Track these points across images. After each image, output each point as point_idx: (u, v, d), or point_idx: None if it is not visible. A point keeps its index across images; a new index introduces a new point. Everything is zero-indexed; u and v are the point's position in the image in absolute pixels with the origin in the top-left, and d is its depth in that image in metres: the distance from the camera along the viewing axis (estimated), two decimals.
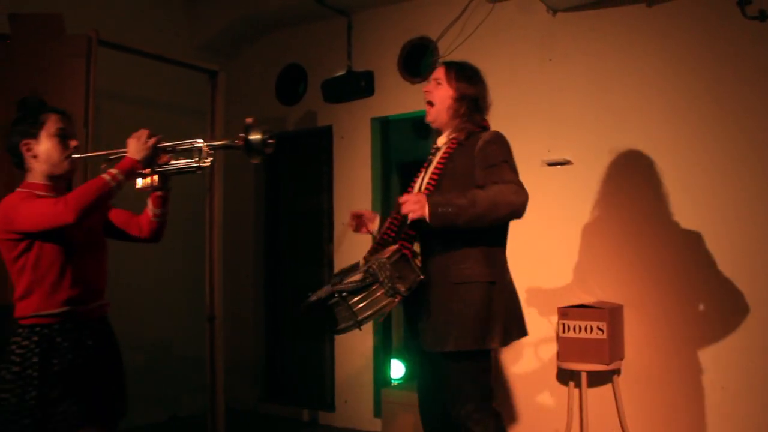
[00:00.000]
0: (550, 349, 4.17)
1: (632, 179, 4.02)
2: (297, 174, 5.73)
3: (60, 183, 2.51)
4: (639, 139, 3.99)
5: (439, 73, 2.90)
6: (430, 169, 2.84)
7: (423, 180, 2.86)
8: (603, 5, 4.13)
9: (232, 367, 5.09)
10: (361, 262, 2.68)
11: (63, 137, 2.48)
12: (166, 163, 2.55)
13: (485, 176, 2.68)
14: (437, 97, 2.87)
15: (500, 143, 2.77)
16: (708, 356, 3.76)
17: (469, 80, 2.88)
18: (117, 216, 2.68)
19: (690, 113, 3.87)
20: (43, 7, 3.92)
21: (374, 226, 3.01)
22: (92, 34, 3.85)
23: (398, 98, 4.98)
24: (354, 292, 2.49)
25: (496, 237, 2.87)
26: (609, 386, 3.94)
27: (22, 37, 3.84)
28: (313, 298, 2.59)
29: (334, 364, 5.21)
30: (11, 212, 2.32)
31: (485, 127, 2.88)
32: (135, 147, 2.47)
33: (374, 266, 2.48)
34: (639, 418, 3.91)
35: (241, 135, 2.42)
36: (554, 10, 4.31)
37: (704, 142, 3.82)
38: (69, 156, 2.48)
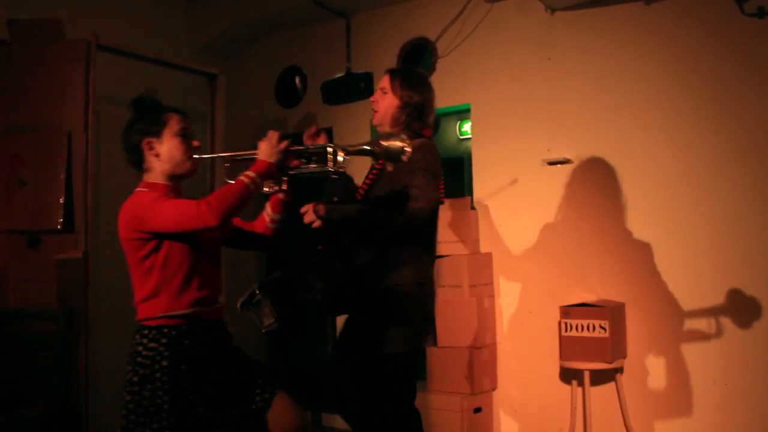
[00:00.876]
0: (553, 348, 4.16)
1: (633, 177, 4.02)
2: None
3: (179, 183, 2.48)
4: (639, 136, 3.99)
5: (385, 81, 2.97)
6: (369, 174, 2.93)
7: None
8: (601, 4, 4.13)
9: None
10: None
11: (185, 137, 2.45)
12: (297, 167, 2.53)
13: (406, 181, 2.75)
14: (382, 105, 2.95)
15: (425, 151, 2.79)
16: (710, 353, 3.76)
17: (413, 88, 2.95)
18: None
19: (689, 110, 3.87)
20: (42, 12, 3.92)
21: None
22: (91, 39, 3.86)
23: None
24: (274, 290, 2.54)
25: (424, 240, 2.90)
26: (612, 385, 3.94)
27: (22, 42, 3.85)
28: (244, 297, 2.62)
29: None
30: (143, 212, 2.29)
31: (423, 135, 2.93)
32: (267, 150, 2.43)
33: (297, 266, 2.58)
34: (642, 416, 3.91)
35: (381, 141, 2.44)
36: (552, 9, 4.31)
37: (704, 139, 3.81)
38: (191, 156, 2.46)
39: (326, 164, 2.44)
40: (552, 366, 4.21)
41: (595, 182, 4.12)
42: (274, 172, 2.44)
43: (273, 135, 2.45)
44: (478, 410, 4.21)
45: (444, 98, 4.72)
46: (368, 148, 2.47)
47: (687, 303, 3.84)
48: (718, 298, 3.74)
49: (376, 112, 2.98)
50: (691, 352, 3.80)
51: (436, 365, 4.35)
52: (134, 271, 2.36)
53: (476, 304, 4.26)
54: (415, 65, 4.84)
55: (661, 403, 3.88)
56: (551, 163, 4.25)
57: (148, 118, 2.45)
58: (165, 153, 2.41)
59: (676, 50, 3.91)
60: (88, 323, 3.68)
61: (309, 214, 2.71)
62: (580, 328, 3.75)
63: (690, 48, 3.87)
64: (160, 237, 2.30)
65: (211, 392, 2.35)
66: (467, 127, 6.09)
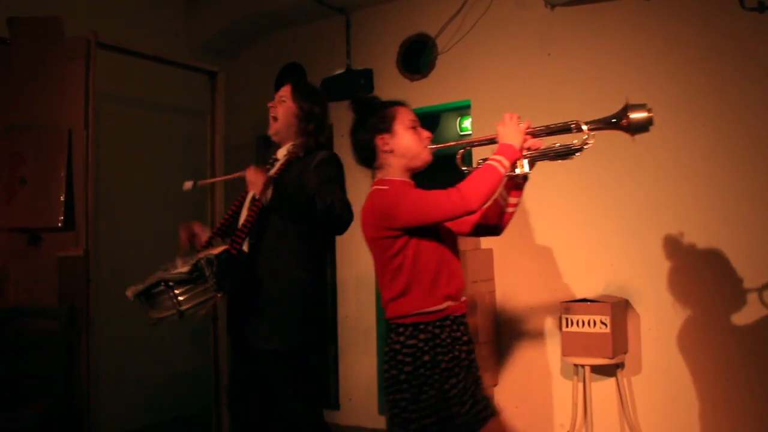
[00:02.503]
0: (554, 344, 4.17)
1: (634, 173, 4.02)
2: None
3: (412, 176, 2.44)
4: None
5: (285, 91, 3.01)
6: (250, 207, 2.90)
7: None
8: None
9: None
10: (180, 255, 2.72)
11: (415, 128, 2.41)
12: (540, 149, 2.37)
13: (317, 193, 2.77)
14: (281, 113, 2.98)
15: (335, 163, 2.89)
16: (711, 348, 3.76)
17: (313, 100, 3.01)
18: None
19: (690, 105, 3.87)
20: (42, 11, 3.92)
21: (206, 237, 2.98)
22: (91, 37, 3.85)
23: (397, 95, 4.88)
24: (180, 282, 2.50)
25: (322, 239, 2.97)
26: (613, 380, 3.94)
27: (21, 40, 3.85)
28: (139, 286, 2.57)
29: (338, 362, 5.21)
30: (391, 208, 2.26)
31: (323, 145, 3.00)
32: (511, 132, 2.31)
33: (203, 261, 2.51)
34: (643, 411, 3.91)
35: (628, 113, 2.24)
36: (552, 5, 4.30)
37: (705, 134, 3.81)
38: (426, 146, 2.42)
39: (572, 143, 2.31)
40: (553, 361, 4.22)
41: (597, 178, 4.12)
42: (519, 155, 2.32)
43: (511, 116, 2.33)
44: None
45: (444, 94, 4.74)
46: (614, 120, 2.27)
47: (688, 297, 3.84)
48: (720, 292, 3.74)
49: (275, 121, 2.99)
50: (692, 346, 3.80)
51: None
52: (382, 271, 2.33)
53: (477, 300, 4.26)
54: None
55: (662, 397, 3.88)
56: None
57: (376, 115, 2.40)
58: (400, 147, 2.38)
59: (676, 45, 3.91)
60: (89, 321, 3.68)
61: (256, 185, 2.67)
62: (581, 324, 3.75)
63: (690, 43, 3.87)
64: (409, 233, 2.27)
65: (466, 389, 2.32)
66: (467, 123, 6.08)
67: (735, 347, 3.68)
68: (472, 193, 2.19)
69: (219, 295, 2.56)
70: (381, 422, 4.83)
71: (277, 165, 2.95)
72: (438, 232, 2.35)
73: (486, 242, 4.49)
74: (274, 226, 2.79)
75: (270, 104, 3.03)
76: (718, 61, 3.79)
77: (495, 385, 4.39)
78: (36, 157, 3.77)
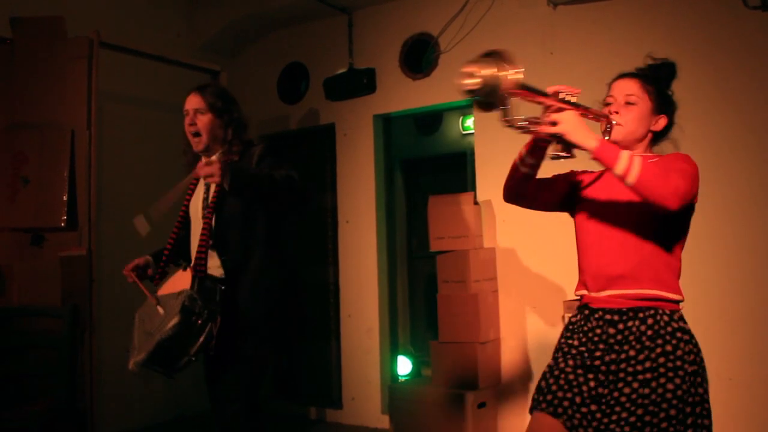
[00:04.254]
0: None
1: None
2: (300, 172, 5.72)
3: None
4: None
5: (198, 102, 2.84)
6: (212, 186, 2.75)
7: (207, 196, 2.80)
8: None
9: None
10: (153, 300, 2.65)
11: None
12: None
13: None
14: (203, 127, 2.83)
15: (275, 154, 2.84)
16: (714, 348, 3.75)
17: (227, 102, 2.89)
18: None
19: (693, 104, 3.84)
20: (45, 10, 3.93)
21: (151, 269, 2.93)
22: (93, 36, 3.86)
23: (400, 95, 4.98)
24: (178, 334, 2.45)
25: (286, 242, 2.93)
26: None
27: (25, 39, 3.85)
28: (141, 355, 2.49)
29: (341, 362, 5.22)
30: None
31: (252, 142, 2.93)
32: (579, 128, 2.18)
33: (186, 303, 2.45)
34: None
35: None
36: (555, 4, 4.30)
37: (707, 133, 3.80)
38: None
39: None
40: None
41: None
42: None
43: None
44: (482, 405, 4.21)
45: (447, 94, 4.74)
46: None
47: (690, 297, 3.82)
48: (723, 293, 3.74)
49: (199, 136, 2.83)
50: None
51: (440, 361, 4.36)
52: None
53: (480, 299, 4.26)
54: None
55: None
56: (554, 158, 4.22)
57: None
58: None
59: (679, 44, 3.90)
60: (93, 320, 3.69)
61: (215, 174, 2.46)
62: None
63: (693, 41, 3.86)
64: (565, 206, 2.39)
65: (553, 372, 2.18)
66: (470, 122, 6.09)
67: (739, 347, 3.67)
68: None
69: (218, 320, 2.53)
70: (384, 421, 4.83)
71: None
72: (593, 204, 2.23)
73: (489, 241, 4.49)
74: (234, 237, 2.69)
75: (187, 120, 2.85)
76: (721, 59, 3.78)
77: (498, 384, 4.39)
78: (39, 157, 3.77)
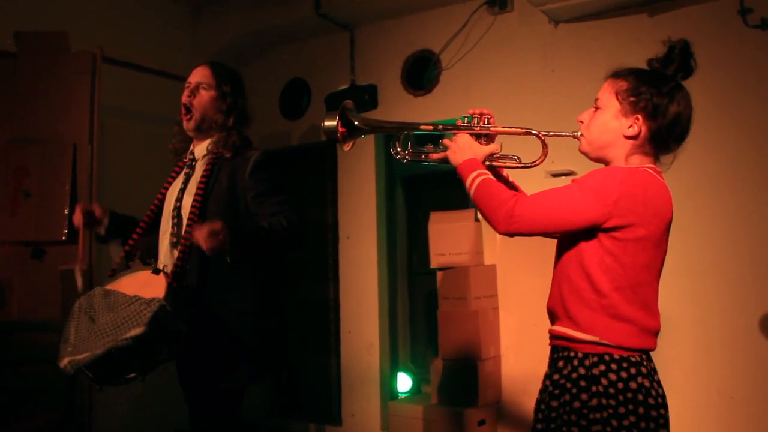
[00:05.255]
0: None
1: None
2: (301, 188, 5.74)
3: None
4: None
5: (205, 75, 2.56)
6: (192, 187, 2.51)
7: (183, 197, 2.54)
8: (604, 16, 4.15)
9: None
10: (80, 283, 2.47)
11: None
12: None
13: (258, 205, 2.48)
14: (200, 104, 2.55)
15: (272, 167, 2.56)
16: (715, 365, 3.74)
17: (237, 88, 2.63)
18: None
19: (693, 122, 3.86)
20: (49, 25, 3.95)
21: (105, 221, 2.65)
22: (96, 51, 3.89)
23: (402, 111, 4.99)
24: (136, 348, 2.11)
25: (268, 267, 2.63)
26: None
27: (28, 54, 3.88)
28: (83, 356, 2.13)
29: (341, 378, 5.19)
30: None
31: (249, 141, 2.66)
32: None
33: (159, 315, 2.13)
34: None
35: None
36: (556, 21, 4.32)
37: (708, 151, 3.81)
38: None
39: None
40: None
41: None
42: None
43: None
44: (482, 423, 4.19)
45: (448, 110, 4.75)
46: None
47: (691, 316, 3.82)
48: (723, 309, 3.72)
49: (188, 110, 2.55)
50: (695, 363, 3.78)
51: (440, 378, 4.34)
52: None
53: (480, 316, 4.24)
54: None
55: None
56: (555, 175, 4.25)
57: None
58: None
59: None
60: None
61: (210, 241, 2.17)
62: None
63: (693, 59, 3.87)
64: None
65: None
66: None
67: (740, 364, 3.66)
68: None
69: (182, 338, 2.26)
70: None
71: (199, 170, 2.55)
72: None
73: (490, 258, 4.48)
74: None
75: (186, 92, 2.58)
76: (721, 77, 3.79)
77: (498, 401, 4.37)
78: (41, 171, 3.79)
